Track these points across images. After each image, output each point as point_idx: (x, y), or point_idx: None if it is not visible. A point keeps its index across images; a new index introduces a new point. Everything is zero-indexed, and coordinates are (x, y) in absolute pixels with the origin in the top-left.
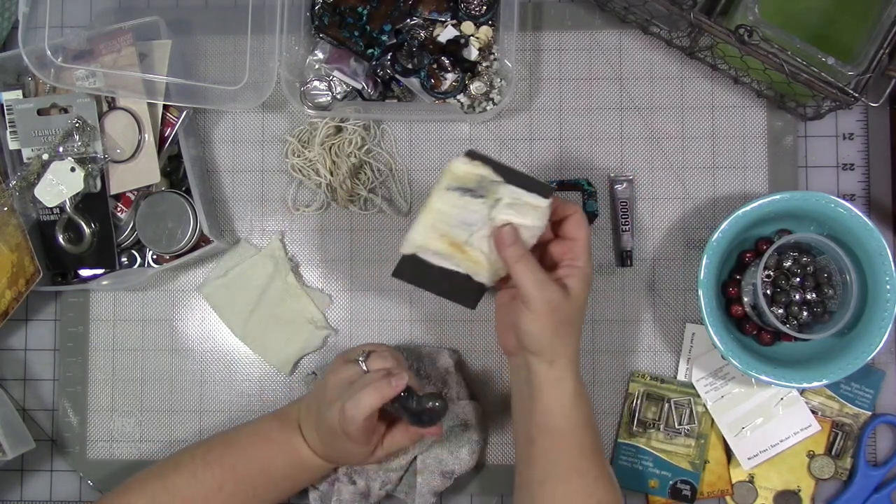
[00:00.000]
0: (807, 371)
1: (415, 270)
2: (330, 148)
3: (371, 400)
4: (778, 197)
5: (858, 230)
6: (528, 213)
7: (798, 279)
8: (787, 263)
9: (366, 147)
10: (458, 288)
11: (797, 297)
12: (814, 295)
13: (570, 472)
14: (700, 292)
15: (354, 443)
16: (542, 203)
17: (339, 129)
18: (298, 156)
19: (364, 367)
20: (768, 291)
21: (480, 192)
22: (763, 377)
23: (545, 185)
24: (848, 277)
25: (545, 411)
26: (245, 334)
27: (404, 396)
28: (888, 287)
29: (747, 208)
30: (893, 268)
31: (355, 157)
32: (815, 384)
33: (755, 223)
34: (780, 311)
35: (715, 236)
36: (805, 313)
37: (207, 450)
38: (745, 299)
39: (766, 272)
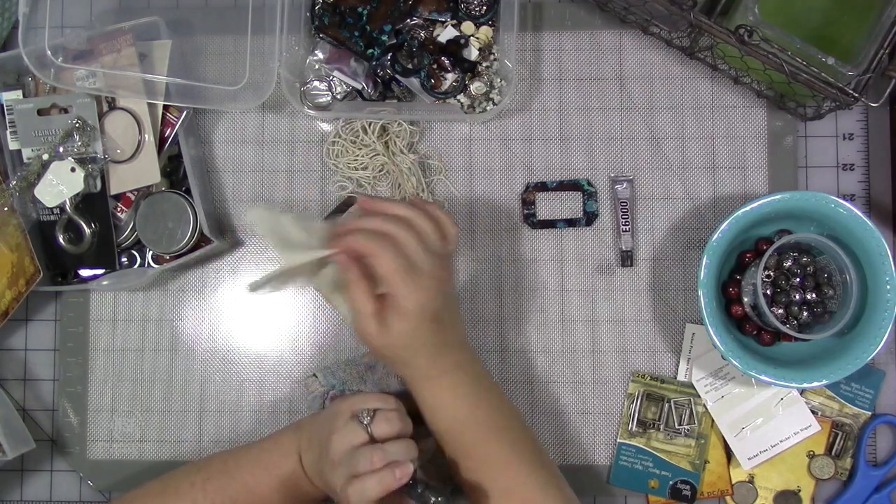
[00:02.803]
0: (807, 371)
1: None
2: (385, 143)
3: (375, 491)
4: (778, 197)
5: (858, 230)
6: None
7: (798, 279)
8: (787, 263)
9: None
10: None
11: (797, 297)
12: (814, 295)
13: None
14: (700, 293)
15: None
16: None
17: (384, 129)
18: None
19: (369, 431)
20: (768, 291)
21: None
22: (763, 377)
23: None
24: (848, 277)
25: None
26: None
27: (410, 484)
28: (888, 287)
29: (747, 208)
30: (893, 268)
31: (415, 153)
32: (816, 384)
33: (755, 223)
34: (780, 311)
35: (715, 237)
36: (805, 313)
37: (207, 477)
38: (745, 299)
39: (766, 272)
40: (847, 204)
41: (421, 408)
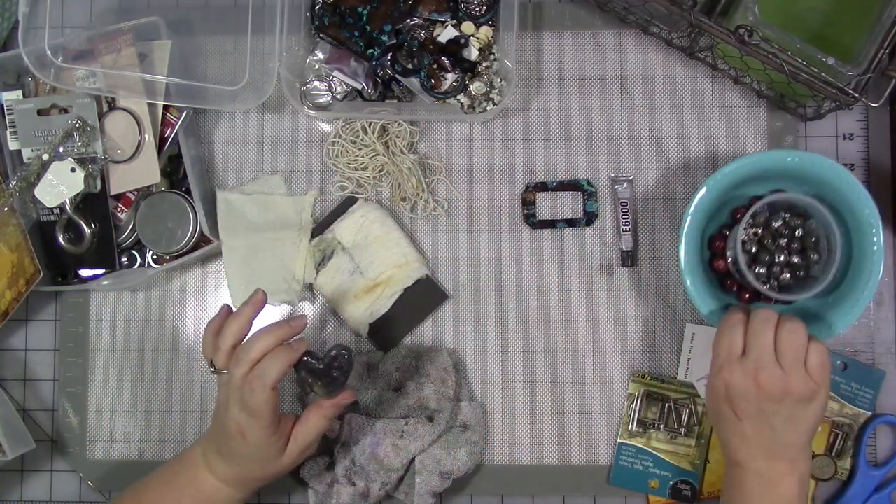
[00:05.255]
0: None
1: None
2: (386, 143)
3: (277, 366)
4: (781, 154)
5: (851, 196)
6: None
7: (785, 241)
8: (777, 224)
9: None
10: None
11: (781, 258)
12: (798, 259)
13: None
14: (682, 242)
15: (263, 425)
16: None
17: (384, 129)
18: (343, 156)
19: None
20: (753, 249)
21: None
22: None
23: None
24: (835, 240)
25: None
26: (231, 248)
27: (308, 360)
28: (874, 258)
29: (744, 162)
30: (882, 238)
31: (415, 153)
32: None
33: (750, 179)
34: (763, 270)
35: (700, 193)
36: (787, 275)
37: None
38: (729, 254)
39: (754, 230)
40: (843, 168)
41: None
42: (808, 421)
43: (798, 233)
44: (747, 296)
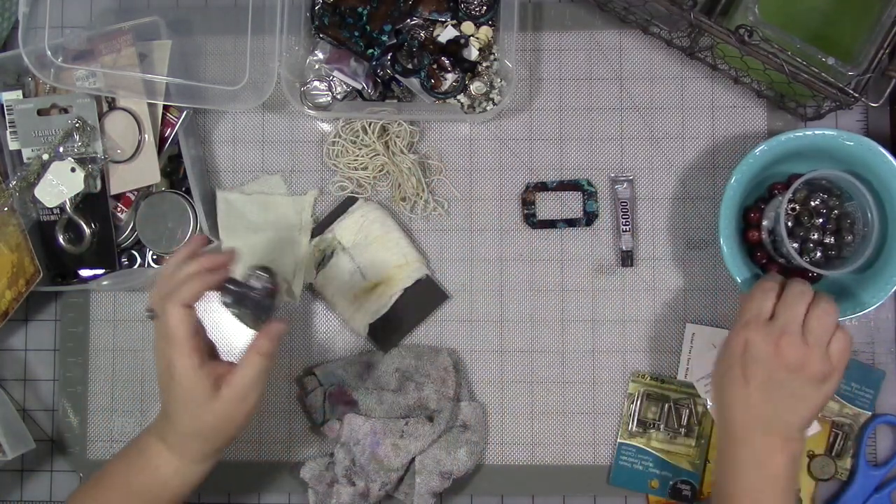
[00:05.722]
0: None
1: None
2: (386, 143)
3: (192, 286)
4: (819, 132)
5: (889, 178)
6: None
7: (821, 220)
8: (815, 202)
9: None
10: None
11: (815, 235)
12: (832, 239)
13: None
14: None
15: (184, 352)
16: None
17: (384, 129)
18: (343, 156)
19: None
20: (789, 223)
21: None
22: None
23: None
24: (871, 216)
25: None
26: (229, 243)
27: (227, 286)
28: None
29: (784, 138)
30: None
31: (415, 153)
32: None
33: (789, 156)
34: (795, 245)
35: (758, 150)
36: (818, 253)
37: (81, 500)
38: (765, 223)
39: (792, 205)
40: (883, 150)
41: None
42: (814, 402)
43: (834, 213)
44: (775, 270)
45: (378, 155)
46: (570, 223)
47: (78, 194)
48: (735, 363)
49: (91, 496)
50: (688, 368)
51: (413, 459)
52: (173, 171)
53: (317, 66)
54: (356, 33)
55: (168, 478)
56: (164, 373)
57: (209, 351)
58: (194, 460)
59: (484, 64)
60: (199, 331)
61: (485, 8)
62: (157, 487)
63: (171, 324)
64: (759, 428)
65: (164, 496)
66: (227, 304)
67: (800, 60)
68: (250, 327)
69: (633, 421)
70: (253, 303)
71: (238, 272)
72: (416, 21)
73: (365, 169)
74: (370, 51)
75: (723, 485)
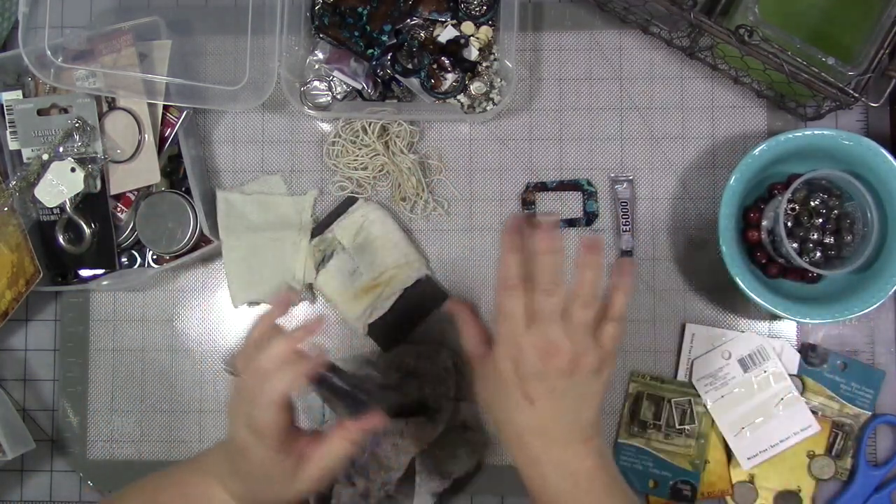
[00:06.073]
0: (809, 308)
1: None
2: (386, 143)
3: (286, 379)
4: (819, 132)
5: (890, 179)
6: None
7: (821, 220)
8: (815, 202)
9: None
10: None
11: (814, 235)
12: (832, 239)
13: None
14: (722, 206)
15: (267, 444)
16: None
17: (384, 129)
18: (343, 156)
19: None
20: (789, 223)
21: None
22: (766, 303)
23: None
24: (870, 216)
25: None
26: (231, 248)
27: (329, 375)
28: None
29: (790, 136)
30: None
31: (415, 153)
32: (817, 321)
33: (789, 156)
34: (795, 245)
35: (757, 150)
36: (818, 254)
37: None
38: (765, 223)
39: (792, 205)
40: (882, 150)
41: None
42: (599, 393)
43: (834, 213)
44: (774, 270)
45: (378, 155)
46: (570, 223)
47: (78, 194)
48: (511, 386)
49: None
50: (688, 368)
51: (413, 459)
52: (173, 171)
53: (317, 66)
54: (356, 33)
55: None
56: (238, 447)
57: (290, 419)
58: None
59: (484, 64)
60: (288, 420)
61: (485, 8)
62: None
63: (261, 420)
64: (560, 442)
65: None
66: (319, 391)
67: (800, 60)
68: (339, 414)
69: (632, 421)
70: (353, 401)
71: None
72: (416, 21)
73: (365, 169)
74: (370, 51)
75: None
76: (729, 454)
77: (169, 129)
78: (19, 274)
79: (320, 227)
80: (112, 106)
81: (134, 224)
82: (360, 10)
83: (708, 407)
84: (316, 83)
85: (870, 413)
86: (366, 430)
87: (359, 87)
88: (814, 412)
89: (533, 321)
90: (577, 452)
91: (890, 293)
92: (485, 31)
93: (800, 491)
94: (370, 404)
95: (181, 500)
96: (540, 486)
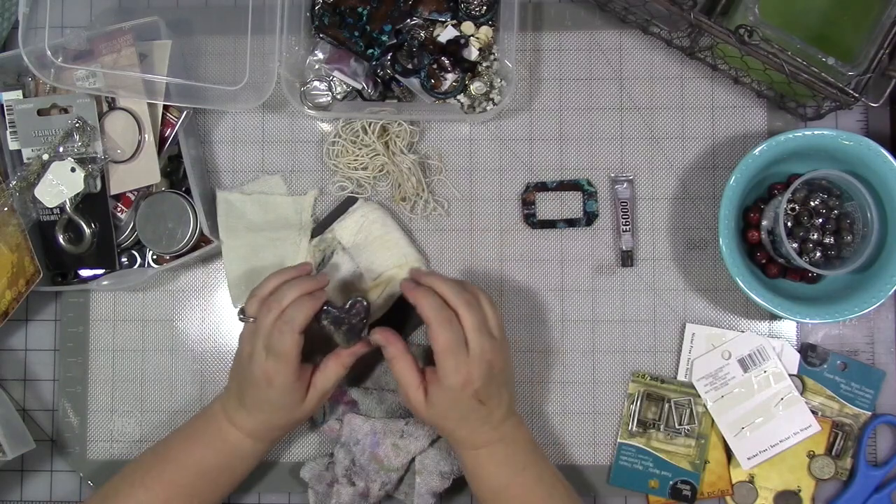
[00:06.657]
0: (809, 308)
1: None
2: (386, 143)
3: (303, 312)
4: (820, 132)
5: (890, 179)
6: None
7: (821, 220)
8: (815, 202)
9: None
10: None
11: (814, 236)
12: (832, 239)
13: None
14: (722, 206)
15: (290, 370)
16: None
17: (384, 129)
18: (343, 156)
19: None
20: (789, 223)
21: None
22: (765, 303)
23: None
24: (870, 216)
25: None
26: (231, 248)
27: (328, 308)
28: None
29: (789, 136)
30: None
31: (415, 153)
32: (816, 321)
33: (789, 156)
34: (795, 245)
35: (757, 150)
36: (818, 254)
37: (145, 471)
38: (765, 222)
39: (792, 205)
40: (883, 150)
41: (464, 471)
42: (512, 375)
43: (834, 213)
44: (774, 270)
45: (378, 155)
46: (570, 223)
47: (78, 194)
48: (473, 401)
49: (156, 474)
50: (688, 368)
51: (413, 459)
52: (173, 171)
53: (317, 66)
54: (356, 33)
55: (247, 455)
56: (259, 379)
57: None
58: (272, 441)
59: (484, 64)
60: (301, 350)
61: (485, 8)
62: (237, 461)
63: (284, 346)
64: (499, 423)
65: (241, 470)
66: (323, 323)
67: (800, 60)
68: (339, 344)
69: (632, 421)
70: (348, 327)
71: (339, 299)
72: (416, 21)
73: (365, 169)
74: (370, 51)
75: (496, 486)
76: (729, 454)
77: (169, 129)
78: (19, 274)
79: (320, 227)
80: (112, 106)
81: (134, 224)
82: (360, 10)
83: (708, 407)
84: (316, 83)
85: (870, 413)
86: (356, 354)
87: (359, 87)
88: (814, 412)
89: (468, 345)
90: (512, 424)
91: (890, 293)
92: (485, 31)
93: (800, 491)
94: (361, 328)
95: (194, 445)
96: (482, 469)
